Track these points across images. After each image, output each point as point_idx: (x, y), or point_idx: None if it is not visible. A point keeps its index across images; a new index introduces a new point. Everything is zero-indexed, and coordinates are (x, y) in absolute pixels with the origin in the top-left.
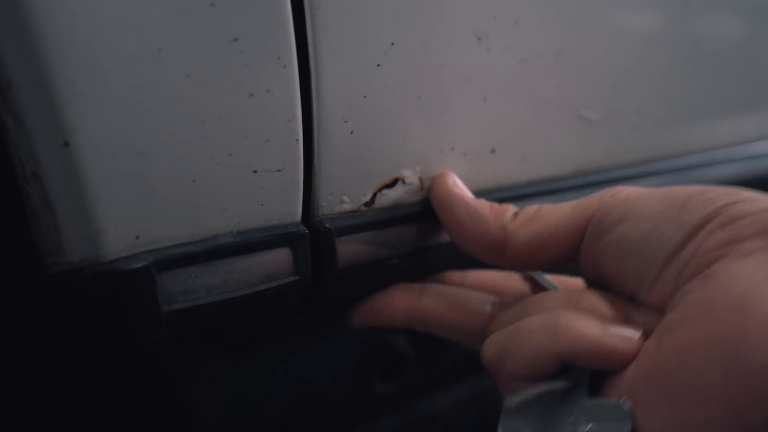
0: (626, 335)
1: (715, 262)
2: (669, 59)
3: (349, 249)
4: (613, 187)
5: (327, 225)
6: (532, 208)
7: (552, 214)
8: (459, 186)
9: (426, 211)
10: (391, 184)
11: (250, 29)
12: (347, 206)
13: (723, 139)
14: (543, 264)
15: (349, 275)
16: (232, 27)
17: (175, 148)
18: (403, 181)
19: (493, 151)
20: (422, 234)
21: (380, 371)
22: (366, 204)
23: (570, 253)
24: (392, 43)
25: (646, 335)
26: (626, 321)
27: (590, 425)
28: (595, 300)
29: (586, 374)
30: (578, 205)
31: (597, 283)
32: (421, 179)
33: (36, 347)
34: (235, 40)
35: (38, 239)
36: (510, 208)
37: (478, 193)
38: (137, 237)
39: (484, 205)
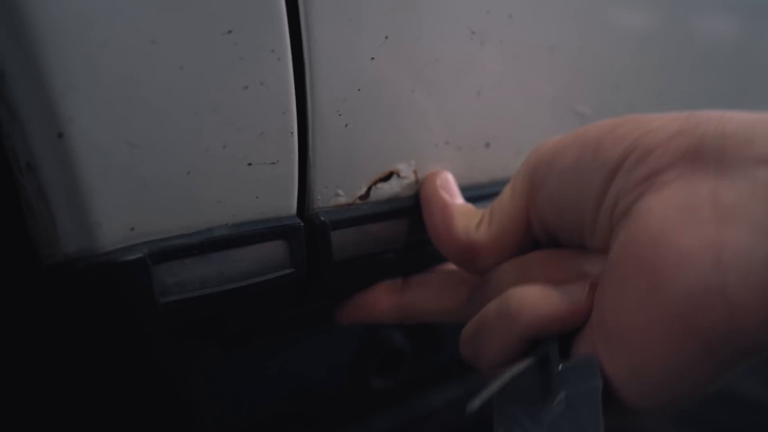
0: (574, 293)
1: (637, 200)
2: (662, 55)
3: (344, 242)
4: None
5: (322, 218)
6: (487, 209)
7: (502, 208)
8: (446, 187)
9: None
10: (386, 178)
11: (244, 21)
12: (342, 199)
13: None
14: (512, 254)
15: (344, 268)
16: (226, 19)
17: (170, 141)
18: (398, 175)
19: (487, 145)
20: (418, 228)
21: (376, 367)
22: (361, 197)
23: (530, 233)
24: (386, 37)
25: (596, 284)
26: (578, 275)
27: (563, 392)
28: (546, 260)
29: (555, 340)
30: (513, 181)
31: (551, 240)
32: (416, 173)
33: (31, 340)
34: (229, 32)
35: (33, 231)
36: (479, 215)
37: (473, 188)
38: (132, 229)
39: (459, 211)
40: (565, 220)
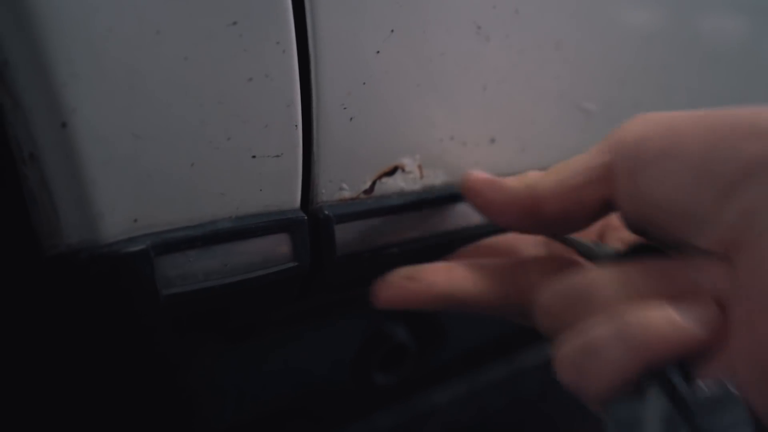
0: (704, 315)
1: None
2: (669, 52)
3: (348, 236)
4: (637, 116)
5: (326, 212)
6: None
7: (577, 159)
8: (483, 173)
9: (425, 199)
10: (391, 172)
11: (249, 13)
12: (346, 193)
13: None
14: (581, 218)
15: (347, 263)
16: (231, 10)
17: (173, 132)
18: (403, 170)
19: (492, 140)
20: (422, 222)
21: (379, 362)
22: (365, 191)
23: (605, 198)
24: (392, 30)
25: (719, 300)
26: (692, 289)
27: (705, 419)
28: (649, 271)
29: (676, 367)
30: (607, 141)
31: (642, 229)
32: (420, 168)
33: (33, 331)
34: (234, 23)
35: (36, 221)
36: (535, 172)
37: None
38: (135, 220)
39: (507, 178)
40: (673, 207)
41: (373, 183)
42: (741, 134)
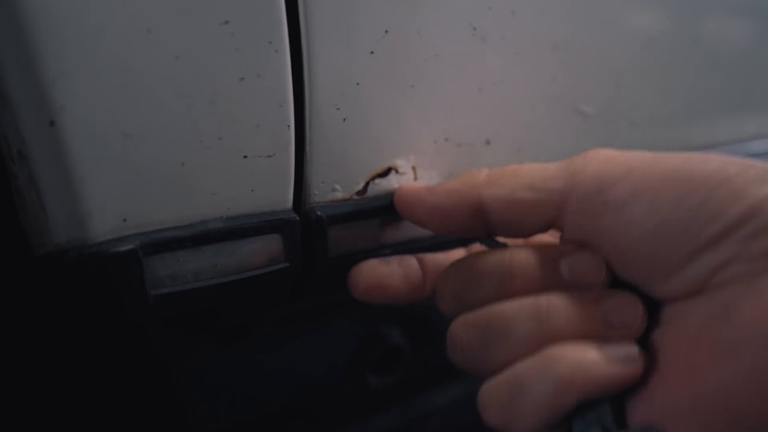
0: (629, 356)
1: (758, 275)
2: (667, 55)
3: (340, 237)
4: (597, 150)
5: (318, 213)
6: (510, 166)
7: (531, 173)
8: (414, 184)
9: None
10: (384, 174)
11: (241, 12)
12: (339, 194)
13: (721, 136)
14: (522, 231)
15: (340, 264)
16: (223, 9)
17: (164, 131)
18: (397, 171)
19: (488, 142)
20: (415, 225)
21: (374, 364)
22: (358, 193)
23: (551, 220)
24: (386, 31)
25: (640, 339)
26: (605, 325)
27: None
28: (565, 306)
29: (606, 403)
30: (564, 168)
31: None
32: (414, 169)
33: (22, 330)
34: (226, 23)
35: (24, 220)
36: (483, 170)
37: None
38: (124, 220)
39: (449, 181)
40: (636, 253)
41: (366, 184)
42: (713, 187)
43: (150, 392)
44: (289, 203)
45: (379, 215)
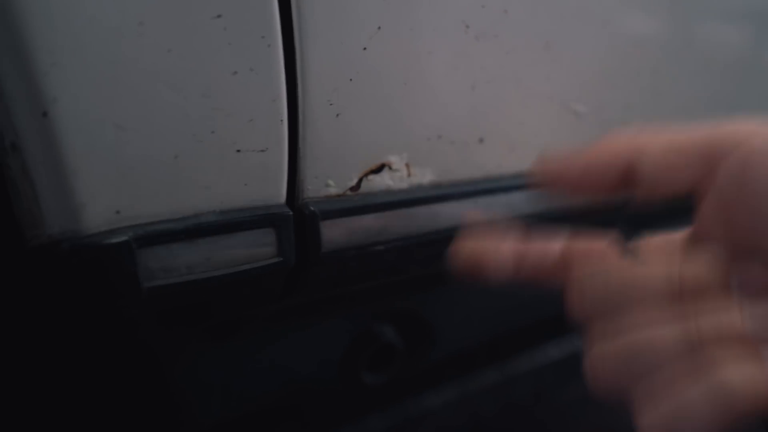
0: None
1: None
2: (659, 55)
3: (333, 233)
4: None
5: (312, 208)
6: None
7: (683, 130)
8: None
9: (413, 197)
10: (378, 170)
11: (234, 6)
12: (333, 190)
13: None
14: (672, 184)
15: (333, 259)
16: (216, 3)
17: (157, 124)
18: (390, 167)
19: (481, 140)
20: (409, 221)
21: (368, 362)
22: (352, 189)
23: (701, 175)
24: (379, 27)
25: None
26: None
27: None
28: (724, 325)
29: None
30: (705, 131)
31: (722, 233)
32: (408, 166)
33: (16, 321)
34: (219, 16)
35: (18, 211)
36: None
37: (466, 183)
38: (117, 212)
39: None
40: None
41: (360, 180)
42: None
43: (142, 387)
44: (283, 198)
45: (372, 211)
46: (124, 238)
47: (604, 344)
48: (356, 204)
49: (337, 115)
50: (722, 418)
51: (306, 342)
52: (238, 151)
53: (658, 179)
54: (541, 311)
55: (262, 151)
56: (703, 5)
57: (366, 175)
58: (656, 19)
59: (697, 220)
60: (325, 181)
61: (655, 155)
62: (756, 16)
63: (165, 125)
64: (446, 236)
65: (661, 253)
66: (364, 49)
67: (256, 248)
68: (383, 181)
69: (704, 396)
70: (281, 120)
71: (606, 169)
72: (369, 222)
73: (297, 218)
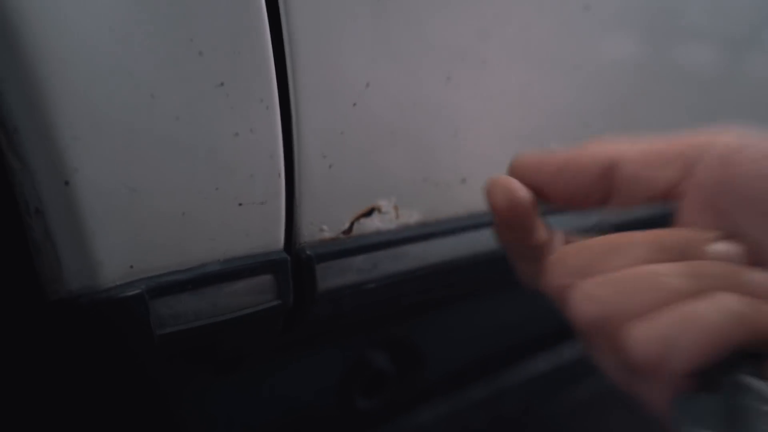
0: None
1: None
2: (631, 93)
3: (328, 274)
4: (715, 131)
5: (308, 252)
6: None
7: (660, 138)
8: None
9: (400, 237)
10: (368, 213)
11: (235, 74)
12: (327, 234)
13: None
14: (651, 189)
15: (328, 299)
16: (219, 73)
17: (166, 185)
18: (380, 210)
19: (463, 181)
20: (397, 259)
21: (362, 388)
22: (344, 232)
23: (679, 179)
24: (367, 84)
25: None
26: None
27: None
28: (729, 258)
29: (749, 357)
30: (676, 143)
31: (708, 219)
32: (396, 208)
33: (36, 369)
34: (221, 84)
35: (39, 268)
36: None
37: (451, 221)
38: (131, 266)
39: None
40: (756, 212)
41: (352, 224)
42: None
43: (149, 421)
44: (281, 244)
45: (364, 252)
46: (137, 291)
47: (600, 277)
48: (348, 246)
49: (330, 166)
50: (729, 332)
51: (304, 372)
52: (240, 204)
53: (638, 182)
54: (528, 330)
55: (262, 203)
56: (673, 41)
57: (357, 218)
58: (626, 58)
59: (678, 218)
60: (320, 226)
61: (635, 158)
62: (730, 47)
63: (174, 185)
64: (433, 271)
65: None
66: (354, 104)
67: (258, 293)
68: (373, 223)
69: (713, 307)
70: (279, 174)
71: (582, 171)
72: (360, 262)
73: (294, 263)
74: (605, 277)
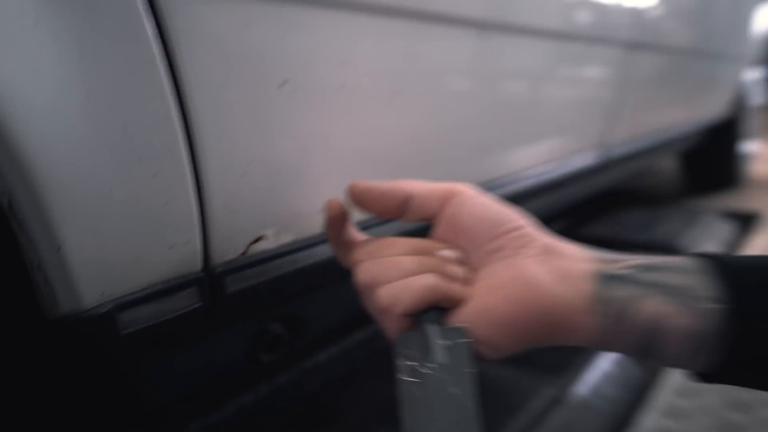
0: (462, 287)
1: (513, 255)
2: (460, 121)
3: (233, 283)
4: (458, 185)
5: (218, 270)
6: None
7: (435, 183)
8: (364, 181)
9: (279, 253)
10: (257, 240)
11: (156, 153)
12: (230, 257)
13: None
14: (427, 214)
15: (234, 299)
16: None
17: (123, 243)
18: (265, 237)
19: (319, 212)
20: (279, 268)
21: (264, 348)
22: (242, 254)
23: (436, 210)
24: (251, 162)
25: (469, 283)
26: (460, 277)
27: (448, 343)
28: (446, 259)
29: (439, 311)
30: (440, 186)
31: (448, 235)
32: (276, 234)
33: (37, 370)
34: (140, 159)
35: (41, 300)
36: (403, 181)
37: (314, 237)
38: (102, 293)
39: (385, 182)
40: (467, 236)
41: (246, 249)
42: (499, 216)
43: (118, 390)
44: (200, 266)
45: (256, 266)
46: (107, 309)
47: (370, 261)
48: (245, 263)
49: (230, 213)
50: (427, 295)
51: (223, 344)
52: (171, 247)
53: (419, 208)
54: None
55: (186, 243)
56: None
57: (250, 244)
58: (458, 99)
59: (433, 232)
60: (225, 252)
61: (419, 194)
62: (533, 74)
63: (129, 243)
64: (303, 272)
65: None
66: (243, 174)
67: (187, 299)
68: (260, 246)
69: (422, 280)
70: (197, 224)
71: (393, 197)
72: (254, 272)
73: (209, 278)
74: (375, 261)
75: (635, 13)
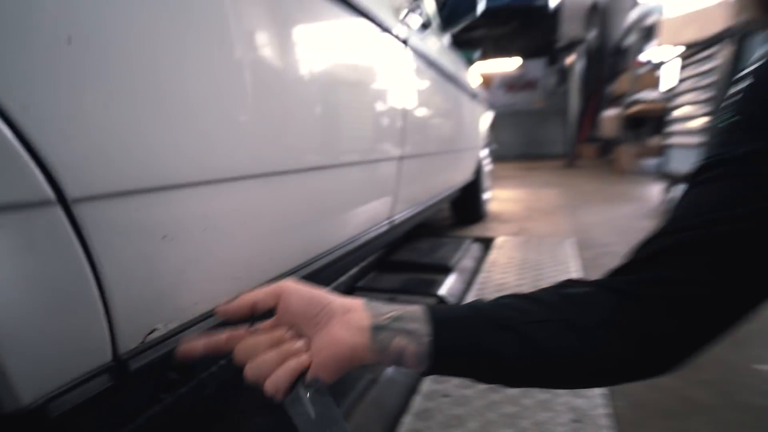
0: (303, 360)
1: (327, 324)
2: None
3: (135, 363)
4: (284, 282)
5: (123, 357)
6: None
7: (270, 288)
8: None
9: (168, 335)
10: (151, 332)
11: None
12: (132, 346)
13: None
14: (269, 308)
15: (137, 374)
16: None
17: (50, 338)
18: (157, 329)
19: (196, 304)
20: (166, 346)
21: (163, 390)
22: (141, 343)
23: (274, 303)
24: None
25: (308, 348)
26: (303, 349)
27: (309, 392)
28: (291, 339)
29: (302, 375)
30: (271, 288)
31: (286, 318)
32: (165, 324)
33: None
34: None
35: None
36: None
37: (194, 319)
38: (36, 389)
39: (239, 299)
40: (297, 318)
41: (144, 338)
42: (314, 299)
43: None
44: (110, 357)
45: (152, 348)
46: (40, 402)
47: (249, 364)
48: (144, 348)
49: (128, 315)
50: (291, 374)
51: (132, 392)
52: (88, 349)
53: (264, 306)
54: None
55: (100, 343)
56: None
57: (146, 336)
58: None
59: (277, 318)
60: (128, 343)
61: (261, 297)
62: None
63: (54, 338)
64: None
65: (268, 329)
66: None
67: (102, 381)
68: (153, 335)
69: (284, 368)
70: (105, 326)
71: (245, 307)
72: (152, 352)
73: (117, 363)
74: (253, 362)
75: (404, 135)
